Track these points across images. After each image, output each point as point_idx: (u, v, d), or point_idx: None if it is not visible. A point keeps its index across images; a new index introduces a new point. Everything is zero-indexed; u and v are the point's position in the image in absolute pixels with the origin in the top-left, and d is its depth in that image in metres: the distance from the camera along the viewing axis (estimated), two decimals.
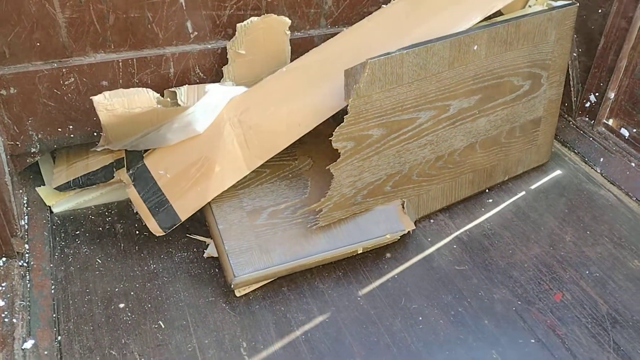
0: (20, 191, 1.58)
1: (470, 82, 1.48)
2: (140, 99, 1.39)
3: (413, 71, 1.37)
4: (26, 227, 1.50)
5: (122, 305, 1.37)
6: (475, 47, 1.44)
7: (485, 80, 1.51)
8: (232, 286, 1.36)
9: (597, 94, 1.91)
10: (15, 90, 1.40)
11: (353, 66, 1.32)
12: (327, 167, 1.38)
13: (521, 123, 1.67)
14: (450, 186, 1.61)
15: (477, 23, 1.53)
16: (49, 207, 1.60)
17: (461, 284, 1.46)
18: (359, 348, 1.30)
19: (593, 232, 1.63)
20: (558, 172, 1.83)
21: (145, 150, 1.53)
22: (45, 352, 1.24)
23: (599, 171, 1.83)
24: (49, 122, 1.47)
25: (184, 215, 1.47)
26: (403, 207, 1.51)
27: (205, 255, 1.48)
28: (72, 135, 1.52)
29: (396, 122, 1.41)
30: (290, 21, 1.53)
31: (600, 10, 1.82)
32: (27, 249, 1.45)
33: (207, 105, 1.45)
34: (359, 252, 1.45)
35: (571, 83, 1.94)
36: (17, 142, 1.48)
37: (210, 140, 1.47)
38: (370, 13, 1.63)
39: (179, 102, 1.44)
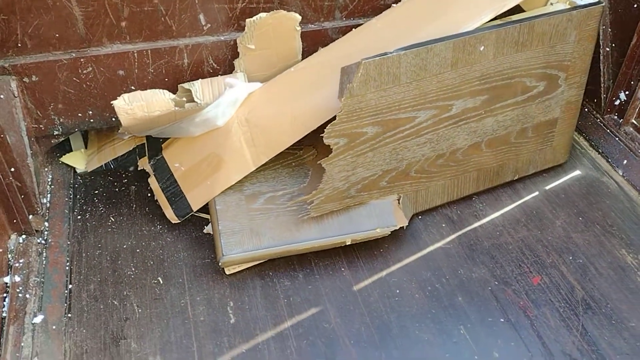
0: (46, 169, 1.68)
1: (476, 82, 1.46)
2: (158, 103, 1.46)
3: (412, 71, 1.37)
4: (48, 205, 1.60)
5: (127, 261, 1.50)
6: (482, 48, 1.42)
7: (493, 81, 1.49)
8: (220, 264, 1.44)
9: (627, 92, 1.84)
10: (37, 78, 1.49)
11: (349, 65, 1.33)
12: (319, 162, 1.41)
13: (534, 124, 1.63)
14: (452, 183, 1.61)
15: (489, 21, 1.50)
16: (74, 169, 1.75)
17: (443, 261, 1.51)
18: (335, 314, 1.39)
19: (585, 218, 1.63)
20: (577, 172, 1.79)
21: (164, 140, 1.63)
22: (54, 327, 1.34)
23: (620, 173, 1.77)
24: (69, 107, 1.56)
25: (195, 206, 1.56)
26: (399, 202, 1.52)
27: (205, 231, 1.57)
28: (91, 120, 1.60)
29: (392, 120, 1.42)
30: (300, 17, 1.54)
31: (635, 5, 1.74)
32: (47, 227, 1.55)
33: (228, 101, 1.50)
34: (347, 244, 1.49)
35: (601, 79, 1.88)
36: (41, 125, 1.58)
37: (220, 137, 1.54)
38: (386, 6, 1.63)
39: (195, 98, 1.49)
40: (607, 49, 1.86)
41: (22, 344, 1.29)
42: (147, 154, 1.66)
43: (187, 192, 1.56)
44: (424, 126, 1.47)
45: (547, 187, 1.73)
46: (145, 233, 1.57)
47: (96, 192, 1.69)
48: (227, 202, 1.51)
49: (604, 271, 1.49)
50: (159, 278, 1.47)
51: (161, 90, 1.49)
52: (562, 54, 1.55)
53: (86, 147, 1.79)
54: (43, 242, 1.51)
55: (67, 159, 1.75)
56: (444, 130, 1.50)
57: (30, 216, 1.51)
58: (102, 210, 1.63)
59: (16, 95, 1.48)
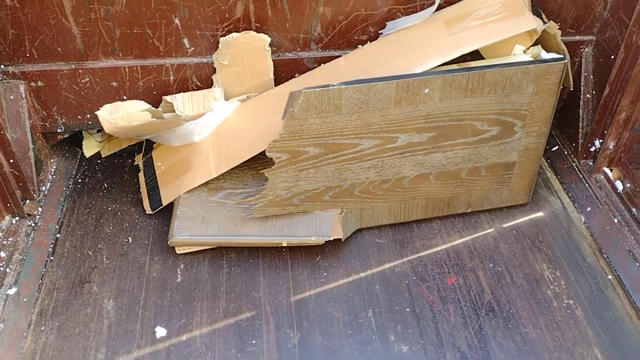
0: (51, 160, 1.91)
1: (421, 120, 1.55)
2: (137, 114, 1.68)
3: (354, 104, 1.48)
4: (46, 192, 1.83)
5: (108, 221, 1.78)
6: (427, 90, 1.50)
7: (440, 121, 1.57)
8: (168, 243, 1.64)
9: (601, 140, 1.87)
10: (42, 84, 1.72)
11: (295, 90, 1.47)
12: (262, 171, 1.57)
13: (488, 164, 1.69)
14: (399, 207, 1.71)
15: (439, 66, 1.59)
16: (79, 161, 1.99)
17: (373, 254, 1.68)
18: (265, 285, 1.61)
19: (519, 232, 1.74)
20: (540, 213, 1.83)
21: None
22: (24, 299, 1.55)
23: (582, 220, 1.81)
24: (70, 110, 1.78)
25: (165, 201, 1.76)
26: (340, 217, 1.64)
27: None
28: (89, 122, 1.82)
29: (335, 144, 1.54)
30: (269, 39, 1.69)
31: (612, 57, 1.78)
32: (40, 212, 1.77)
33: (206, 123, 1.72)
34: (282, 245, 1.64)
35: (580, 124, 1.92)
36: (46, 124, 1.81)
37: (194, 144, 1.74)
38: (359, 40, 1.76)
39: (176, 110, 1.69)
40: (588, 96, 1.90)
41: None
42: (143, 151, 1.90)
43: (161, 188, 1.77)
44: (367, 153, 1.58)
45: (505, 225, 1.79)
46: (129, 200, 1.84)
47: (98, 161, 1.98)
48: (191, 191, 1.71)
49: (518, 281, 1.61)
50: (130, 238, 1.73)
51: (140, 101, 1.70)
52: (518, 103, 1.59)
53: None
54: (33, 225, 1.73)
55: (87, 147, 2.01)
56: (388, 159, 1.60)
57: (27, 201, 1.74)
58: (99, 176, 1.92)
59: (23, 97, 1.71)
